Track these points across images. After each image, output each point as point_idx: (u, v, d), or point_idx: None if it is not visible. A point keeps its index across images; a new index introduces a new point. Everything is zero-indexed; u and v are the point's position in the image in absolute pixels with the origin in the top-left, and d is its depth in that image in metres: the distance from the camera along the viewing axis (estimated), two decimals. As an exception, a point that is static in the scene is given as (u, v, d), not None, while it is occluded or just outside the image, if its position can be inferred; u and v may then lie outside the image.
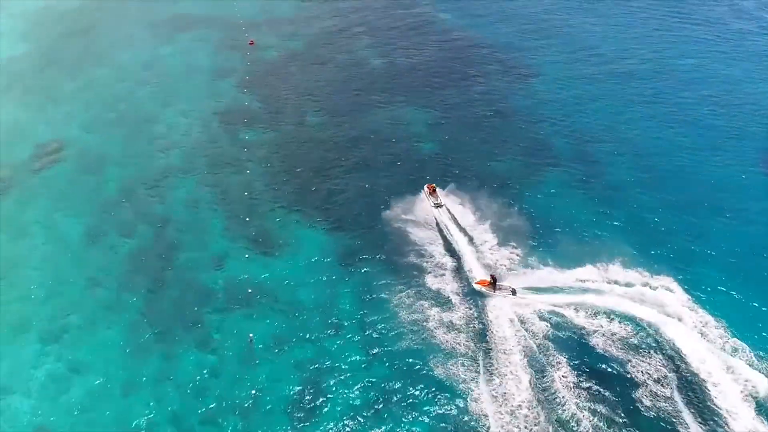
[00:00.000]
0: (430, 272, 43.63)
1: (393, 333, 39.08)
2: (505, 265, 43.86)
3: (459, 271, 43.62)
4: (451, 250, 45.69)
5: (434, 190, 51.04)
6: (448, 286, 42.20)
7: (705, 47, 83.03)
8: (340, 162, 57.92)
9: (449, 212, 49.30)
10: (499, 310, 40.05)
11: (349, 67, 79.70)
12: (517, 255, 44.77)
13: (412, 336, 38.68)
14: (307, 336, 39.53)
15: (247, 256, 46.35)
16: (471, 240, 46.11)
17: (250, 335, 39.54)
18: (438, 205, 49.78)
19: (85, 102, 70.32)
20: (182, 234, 49.25)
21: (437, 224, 48.58)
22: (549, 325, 38.83)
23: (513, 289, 41.29)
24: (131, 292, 43.68)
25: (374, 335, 39.11)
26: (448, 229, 47.59)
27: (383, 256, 45.48)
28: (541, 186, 54.87)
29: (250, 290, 43.21)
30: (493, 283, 41.38)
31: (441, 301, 41.14)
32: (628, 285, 41.53)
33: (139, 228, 49.94)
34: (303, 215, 50.75)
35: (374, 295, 42.04)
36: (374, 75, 77.94)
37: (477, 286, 41.70)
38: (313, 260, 45.55)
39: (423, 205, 50.69)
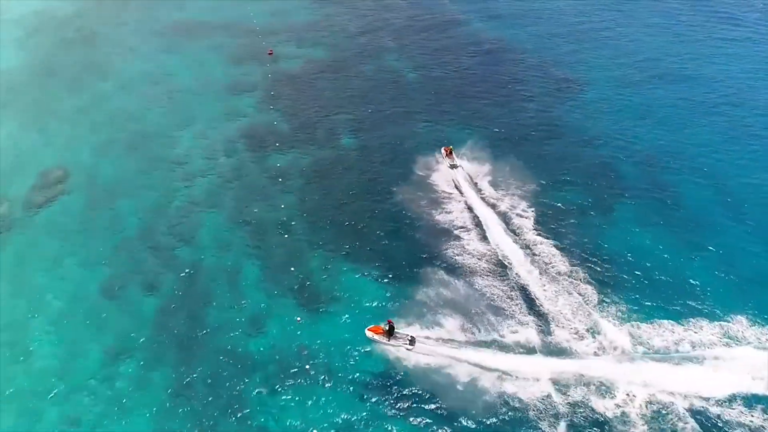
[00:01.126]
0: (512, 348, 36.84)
1: None
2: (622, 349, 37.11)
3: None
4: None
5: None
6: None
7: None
8: (387, 193, 50.66)
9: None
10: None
11: (380, 77, 72.61)
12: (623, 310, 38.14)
13: None
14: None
15: (295, 317, 38.95)
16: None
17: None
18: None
19: (89, 121, 62.49)
20: (213, 285, 41.80)
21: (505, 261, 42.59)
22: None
23: (411, 337, 36.04)
24: (157, 368, 36.12)
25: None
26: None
27: (456, 313, 38.41)
28: (614, 219, 48.15)
29: (299, 363, 35.91)
30: (389, 331, 36.00)
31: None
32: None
33: (162, 278, 42.41)
34: (353, 260, 43.43)
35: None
36: (408, 87, 70.87)
37: (369, 334, 36.34)
38: (374, 320, 38.34)
39: (492, 233, 44.85)
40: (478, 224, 46.02)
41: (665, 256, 43.18)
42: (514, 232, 44.94)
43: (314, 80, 71.78)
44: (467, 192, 49.42)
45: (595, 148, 58.65)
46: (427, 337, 36.84)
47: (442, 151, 53.94)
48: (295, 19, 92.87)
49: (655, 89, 71.14)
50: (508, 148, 56.48)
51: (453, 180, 51.16)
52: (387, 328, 36.62)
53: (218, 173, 53.62)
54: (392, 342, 36.38)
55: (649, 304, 38.99)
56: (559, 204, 49.05)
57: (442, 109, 64.10)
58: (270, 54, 77.98)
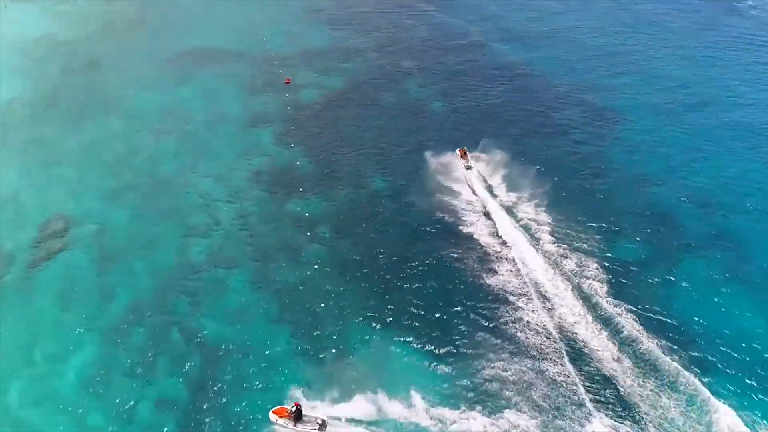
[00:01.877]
0: None
1: None
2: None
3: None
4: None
5: None
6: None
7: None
8: (429, 246, 45.12)
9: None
10: None
11: (403, 107, 67.54)
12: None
13: None
14: None
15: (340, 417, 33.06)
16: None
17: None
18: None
19: (94, 161, 57.20)
20: (240, 364, 36.06)
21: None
22: None
23: (322, 420, 31.77)
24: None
25: None
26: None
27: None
28: (681, 279, 42.50)
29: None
30: (297, 414, 31.63)
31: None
32: None
33: (180, 358, 36.55)
34: (398, 333, 37.67)
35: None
36: (434, 118, 65.83)
37: (273, 417, 32.01)
38: (438, 411, 32.50)
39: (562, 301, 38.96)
40: (538, 291, 40.31)
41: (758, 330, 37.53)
42: (587, 300, 38.96)
43: (335, 111, 66.67)
44: (521, 248, 43.67)
45: (646, 187, 53.36)
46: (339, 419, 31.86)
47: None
48: (311, 44, 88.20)
49: (703, 118, 66.01)
50: (554, 189, 51.02)
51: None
52: (293, 410, 31.75)
53: (238, 222, 48.14)
54: (299, 428, 31.65)
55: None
56: (621, 259, 43.46)
57: (474, 140, 58.67)
58: (287, 83, 73.07)
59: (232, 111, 66.80)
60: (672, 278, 42.12)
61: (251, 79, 75.41)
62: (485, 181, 52.29)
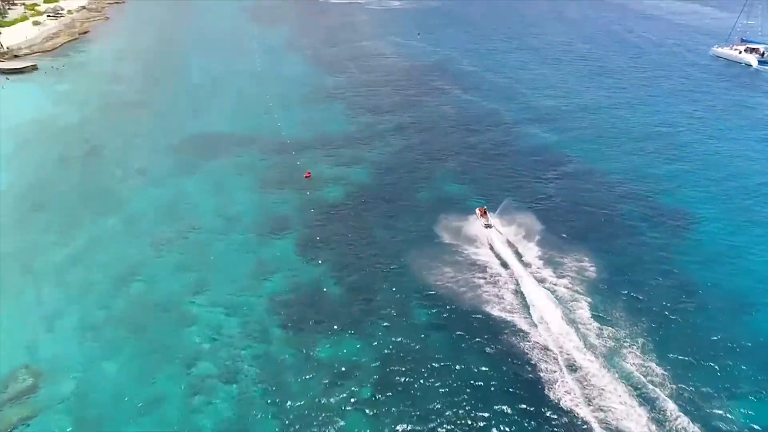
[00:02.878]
0: None
1: None
2: None
3: None
4: None
5: None
6: None
7: None
8: (496, 402, 34.80)
9: None
10: None
11: (442, 211, 58.52)
12: None
13: None
14: None
15: None
16: None
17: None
18: None
19: (78, 283, 47.27)
20: None
21: None
22: None
23: None
24: None
25: None
26: None
27: None
28: None
29: None
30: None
31: None
32: None
33: None
34: None
35: None
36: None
37: None
38: None
39: None
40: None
41: None
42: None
43: (365, 215, 57.93)
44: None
45: (754, 323, 43.56)
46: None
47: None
48: (329, 128, 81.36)
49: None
50: (640, 317, 41.43)
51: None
52: None
53: (257, 376, 37.71)
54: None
55: None
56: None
57: (544, 257, 49.45)
58: (308, 177, 64.96)
59: (245, 213, 58.04)
60: None
61: (266, 171, 67.37)
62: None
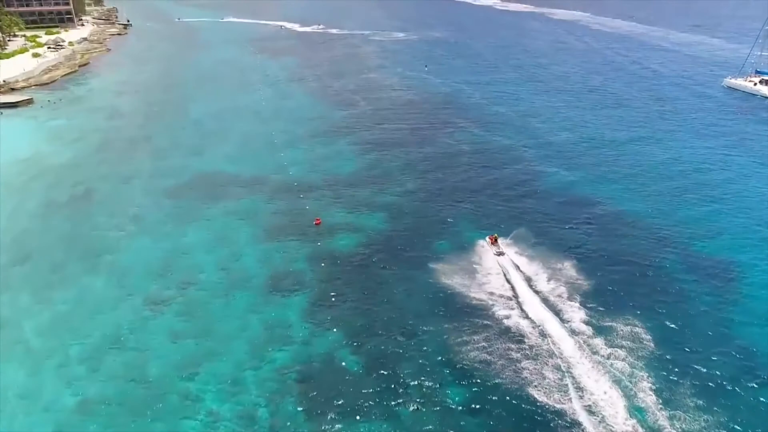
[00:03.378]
0: None
1: None
2: None
3: None
4: None
5: None
6: None
7: None
8: None
9: None
10: None
11: (463, 262, 52.90)
12: None
13: None
14: None
15: None
16: None
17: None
18: None
19: (56, 358, 40.93)
20: None
21: None
22: None
23: None
24: None
25: None
26: None
27: None
28: None
29: None
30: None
31: None
32: None
33: None
34: None
35: None
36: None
37: None
38: None
39: None
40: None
41: None
42: None
43: (380, 268, 52.35)
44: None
45: None
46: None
47: None
48: (339, 167, 76.61)
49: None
50: (714, 402, 35.53)
51: None
52: None
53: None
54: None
55: None
56: None
57: (590, 321, 43.74)
58: (317, 224, 59.75)
59: (249, 267, 52.52)
60: None
61: (272, 217, 62.12)
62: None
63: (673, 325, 43.96)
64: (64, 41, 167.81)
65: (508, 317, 44.32)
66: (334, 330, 43.68)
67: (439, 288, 48.72)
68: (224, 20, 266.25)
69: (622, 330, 42.57)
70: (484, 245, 53.55)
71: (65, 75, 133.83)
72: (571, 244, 56.63)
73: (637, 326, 42.98)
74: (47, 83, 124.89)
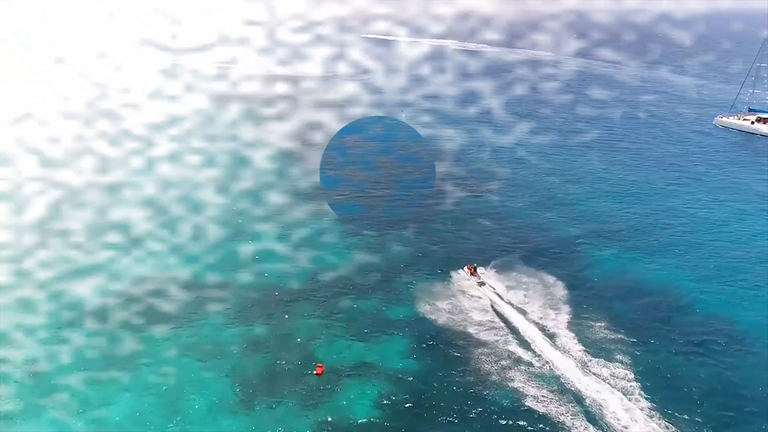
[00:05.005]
0: None
1: None
2: None
3: None
4: None
5: None
6: None
7: None
8: None
9: None
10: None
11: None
12: None
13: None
14: None
15: None
16: None
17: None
18: None
19: None
20: None
21: None
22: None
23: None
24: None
25: None
26: None
27: None
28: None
29: None
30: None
31: None
32: None
33: None
34: None
35: None
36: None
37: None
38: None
39: None
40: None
41: None
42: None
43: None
44: None
45: None
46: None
47: None
48: (323, 278, 55.97)
49: None
50: None
51: None
52: None
53: None
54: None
55: None
56: None
57: None
58: (319, 373, 40.66)
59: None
60: None
61: (251, 361, 42.23)
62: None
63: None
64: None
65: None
66: None
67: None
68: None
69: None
70: (463, 275, 53.21)
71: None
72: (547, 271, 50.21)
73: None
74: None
